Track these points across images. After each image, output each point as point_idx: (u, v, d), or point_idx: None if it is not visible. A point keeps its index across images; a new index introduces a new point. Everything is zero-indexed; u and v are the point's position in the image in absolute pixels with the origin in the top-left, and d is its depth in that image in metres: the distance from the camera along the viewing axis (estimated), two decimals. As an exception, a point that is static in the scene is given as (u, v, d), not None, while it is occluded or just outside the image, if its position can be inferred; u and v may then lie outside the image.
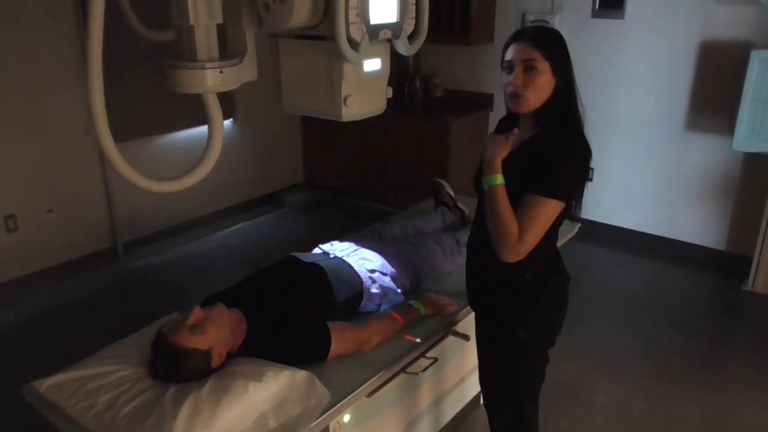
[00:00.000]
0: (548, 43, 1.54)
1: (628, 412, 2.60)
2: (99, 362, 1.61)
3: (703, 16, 3.63)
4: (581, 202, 1.69)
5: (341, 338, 1.69)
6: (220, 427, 1.39)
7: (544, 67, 1.53)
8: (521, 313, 1.70)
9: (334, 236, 2.29)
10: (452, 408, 2.40)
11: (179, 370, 1.52)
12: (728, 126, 3.60)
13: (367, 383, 1.63)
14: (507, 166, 1.57)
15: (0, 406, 2.63)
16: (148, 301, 3.52)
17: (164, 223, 4.35)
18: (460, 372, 2.36)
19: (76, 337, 3.14)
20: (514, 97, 1.57)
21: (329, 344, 1.67)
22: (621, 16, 3.89)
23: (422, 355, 1.87)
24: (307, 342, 1.67)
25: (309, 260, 1.99)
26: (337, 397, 1.56)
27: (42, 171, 3.63)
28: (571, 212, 1.64)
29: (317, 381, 1.55)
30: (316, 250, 2.20)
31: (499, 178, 1.55)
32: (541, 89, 1.55)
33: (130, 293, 3.68)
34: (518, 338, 1.70)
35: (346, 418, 1.70)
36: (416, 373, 1.88)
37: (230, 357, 1.62)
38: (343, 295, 1.90)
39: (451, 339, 2.03)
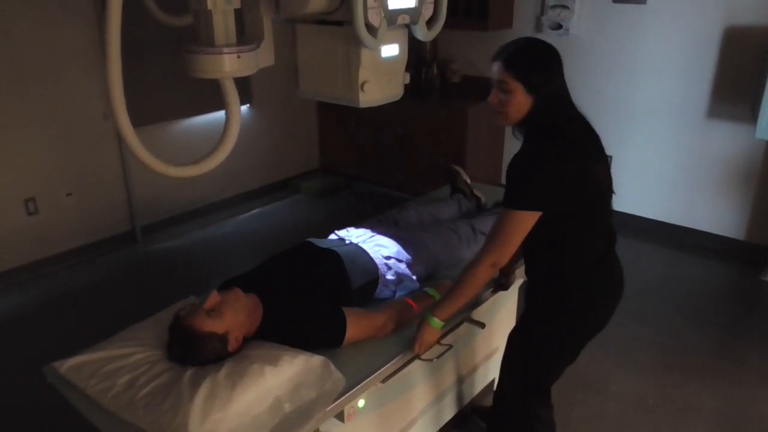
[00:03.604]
0: (520, 66, 1.58)
1: (642, 402, 2.59)
2: (118, 344, 1.63)
3: (727, 1, 3.56)
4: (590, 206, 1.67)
5: (356, 324, 1.70)
6: (236, 410, 1.40)
7: (516, 87, 1.58)
8: (545, 310, 1.77)
9: (349, 223, 2.29)
10: (467, 394, 2.40)
11: (196, 354, 1.53)
12: (751, 114, 3.53)
13: (382, 369, 1.64)
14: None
15: (20, 385, 2.69)
16: (165, 285, 3.56)
17: (181, 207, 4.39)
18: (475, 359, 2.36)
19: (94, 320, 3.19)
20: (495, 113, 1.65)
21: (344, 330, 1.67)
22: (643, 1, 3.82)
23: (437, 341, 1.87)
24: (322, 327, 1.68)
25: (325, 246, 1.99)
26: (352, 382, 1.57)
27: (61, 155, 3.67)
28: (574, 218, 1.64)
29: (332, 366, 1.56)
30: (332, 236, 2.20)
31: (434, 321, 1.70)
32: (517, 107, 1.60)
33: (148, 277, 3.73)
34: (538, 331, 1.80)
35: (361, 403, 1.71)
36: (431, 360, 1.88)
37: (246, 341, 1.63)
38: (358, 281, 1.90)
39: (466, 326, 2.04)
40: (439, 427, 2.28)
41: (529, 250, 1.76)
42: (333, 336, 1.68)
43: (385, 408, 1.89)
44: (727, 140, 3.76)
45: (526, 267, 1.85)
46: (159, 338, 1.65)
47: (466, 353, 2.28)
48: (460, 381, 2.32)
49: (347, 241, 2.11)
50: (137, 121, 1.36)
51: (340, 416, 1.60)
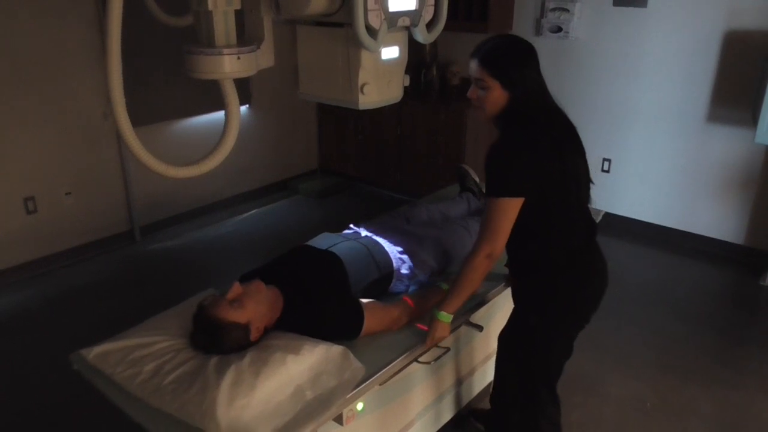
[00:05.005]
0: (496, 64, 1.63)
1: (640, 405, 2.59)
2: (142, 333, 1.68)
3: (729, 5, 3.56)
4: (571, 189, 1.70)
5: (373, 316, 1.74)
6: (260, 397, 1.44)
7: (493, 84, 1.63)
8: (533, 300, 1.81)
9: (347, 224, 2.30)
10: (464, 397, 2.40)
11: (219, 342, 1.58)
12: (751, 118, 3.54)
13: (381, 372, 1.64)
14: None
15: (20, 383, 2.69)
16: (163, 285, 3.56)
17: (180, 207, 4.38)
18: (473, 361, 2.36)
19: (92, 319, 3.18)
20: (474, 107, 1.71)
21: (362, 321, 1.71)
22: (644, 5, 3.82)
23: (435, 344, 1.87)
24: (341, 319, 1.72)
25: (332, 243, 2.02)
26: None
27: (61, 154, 3.66)
28: (551, 204, 1.67)
29: (352, 355, 1.59)
30: (347, 231, 2.24)
31: (442, 315, 1.75)
32: (494, 102, 1.66)
33: (147, 276, 3.72)
34: (529, 324, 1.82)
35: (360, 406, 1.71)
36: (429, 362, 1.88)
37: (267, 331, 1.67)
38: (373, 274, 1.95)
39: (464, 329, 2.04)
40: (436, 430, 2.28)
41: (512, 243, 1.77)
42: (351, 327, 1.72)
43: (384, 410, 1.89)
44: (727, 144, 3.77)
45: (510, 262, 1.87)
46: (183, 327, 1.69)
47: (464, 356, 2.28)
48: (458, 383, 2.32)
49: (363, 235, 2.15)
50: (137, 121, 1.37)
51: (339, 419, 1.60)
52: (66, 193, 3.74)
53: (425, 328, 1.81)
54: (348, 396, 1.51)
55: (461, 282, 1.73)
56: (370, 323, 1.73)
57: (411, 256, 2.05)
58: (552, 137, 1.64)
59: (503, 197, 1.61)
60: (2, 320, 3.20)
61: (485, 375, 2.48)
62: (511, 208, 1.61)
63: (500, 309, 2.37)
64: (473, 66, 1.66)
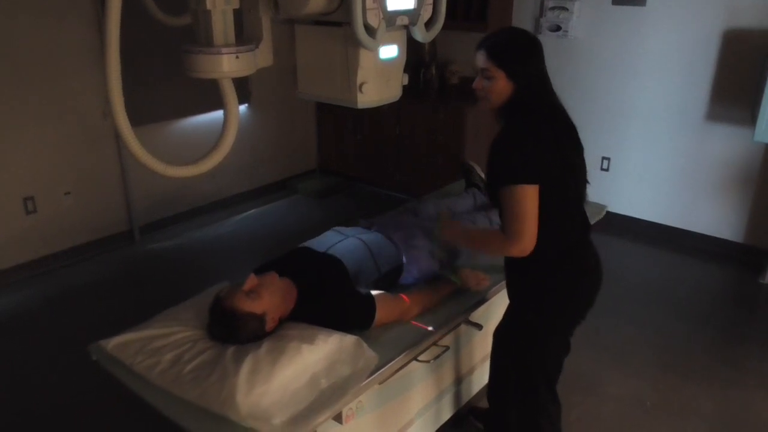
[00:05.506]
0: (501, 55, 1.66)
1: (640, 404, 2.59)
2: (160, 324, 1.72)
3: (728, 4, 3.56)
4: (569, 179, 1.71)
5: (384, 307, 1.78)
6: (277, 384, 1.47)
7: (498, 74, 1.65)
8: (529, 296, 1.81)
9: (347, 224, 2.30)
10: (464, 395, 2.40)
11: (235, 333, 1.61)
12: (750, 117, 3.54)
13: (380, 371, 1.64)
14: (487, 166, 1.70)
15: (20, 380, 2.69)
16: (163, 284, 3.56)
17: (179, 207, 4.38)
18: (472, 360, 2.36)
19: (92, 318, 3.18)
20: (478, 98, 1.73)
21: (374, 312, 1.75)
22: (642, 3, 3.82)
23: (434, 343, 1.87)
24: (354, 310, 1.75)
25: (335, 240, 2.04)
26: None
27: (60, 154, 3.66)
28: (557, 193, 1.66)
29: (365, 345, 1.62)
30: (358, 226, 2.26)
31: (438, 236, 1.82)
32: (499, 92, 1.68)
33: (146, 276, 3.72)
34: (526, 320, 1.82)
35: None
36: (428, 361, 1.88)
37: (281, 322, 1.70)
38: (384, 267, 1.98)
39: (463, 327, 2.04)
40: (436, 428, 2.28)
41: None
42: (363, 318, 1.75)
43: (383, 409, 1.89)
44: (726, 143, 3.77)
45: (506, 258, 1.86)
46: (199, 318, 1.73)
47: (463, 355, 2.28)
48: (458, 382, 2.32)
49: (373, 229, 2.18)
50: (136, 121, 1.37)
51: (339, 418, 1.60)
52: (65, 193, 3.74)
53: (426, 327, 1.82)
54: (362, 384, 1.54)
55: (481, 240, 1.84)
56: (381, 314, 1.76)
57: (419, 249, 2.07)
58: (552, 128, 1.66)
59: (522, 184, 1.58)
60: (2, 320, 3.20)
61: (484, 374, 2.48)
62: (531, 195, 1.58)
63: (499, 307, 2.37)
64: (479, 56, 1.68)
